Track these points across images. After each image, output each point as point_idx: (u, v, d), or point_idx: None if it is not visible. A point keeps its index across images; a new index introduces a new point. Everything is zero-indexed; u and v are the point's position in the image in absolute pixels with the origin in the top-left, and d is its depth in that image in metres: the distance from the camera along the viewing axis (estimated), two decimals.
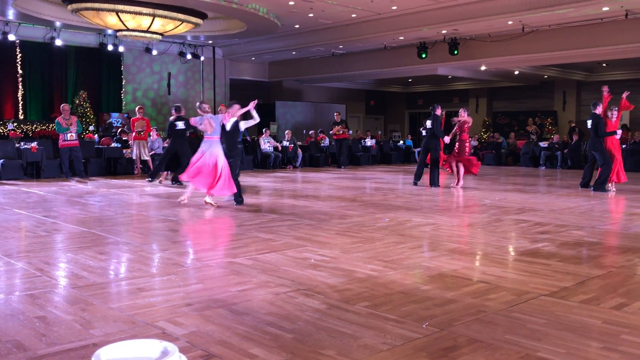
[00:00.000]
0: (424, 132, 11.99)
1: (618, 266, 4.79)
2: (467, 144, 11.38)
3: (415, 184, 11.81)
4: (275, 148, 17.56)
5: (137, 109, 14.50)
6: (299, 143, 18.86)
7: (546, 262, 4.88)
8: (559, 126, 21.78)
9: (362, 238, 5.94)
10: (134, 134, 14.02)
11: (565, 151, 17.80)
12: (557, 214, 7.73)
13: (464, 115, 11.34)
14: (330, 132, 17.69)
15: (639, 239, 5.98)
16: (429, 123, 11.55)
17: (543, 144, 18.80)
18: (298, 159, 17.99)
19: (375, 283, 4.17)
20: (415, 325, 3.27)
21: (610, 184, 10.68)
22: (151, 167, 14.28)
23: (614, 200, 9.60)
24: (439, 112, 11.51)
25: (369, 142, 20.46)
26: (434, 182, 11.49)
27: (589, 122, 10.84)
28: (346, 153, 18.04)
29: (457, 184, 11.34)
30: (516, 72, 20.34)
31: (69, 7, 13.45)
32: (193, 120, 8.95)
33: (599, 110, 10.68)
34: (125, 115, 18.03)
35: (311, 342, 3.01)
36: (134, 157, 14.22)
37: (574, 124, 20.69)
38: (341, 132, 17.31)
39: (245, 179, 13.32)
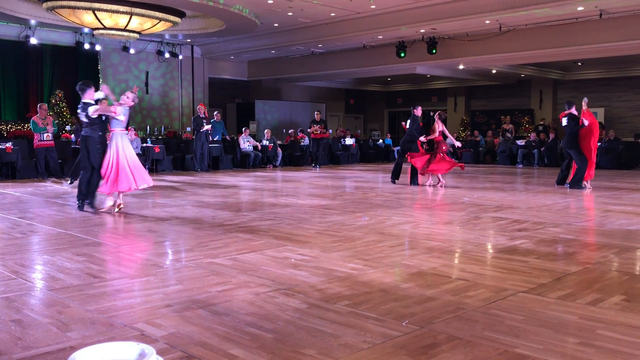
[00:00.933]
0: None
1: (594, 262, 4.86)
2: (443, 146, 11.46)
3: (393, 182, 11.88)
4: (255, 147, 17.51)
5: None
6: (279, 142, 18.82)
7: (524, 259, 4.94)
8: (535, 124, 22.07)
9: (342, 237, 5.95)
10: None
11: (542, 149, 18.04)
12: (534, 212, 7.82)
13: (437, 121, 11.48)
14: (309, 130, 17.66)
15: (614, 236, 6.08)
16: (408, 123, 11.65)
17: (520, 142, 19.02)
18: (278, 158, 17.95)
19: (355, 282, 4.18)
20: (395, 324, 3.28)
21: (586, 182, 10.84)
22: None
23: (589, 198, 9.74)
24: (418, 112, 11.57)
25: (349, 141, 20.51)
26: (413, 181, 11.58)
27: (564, 120, 10.96)
28: (323, 153, 18.02)
29: (439, 184, 11.38)
30: (494, 71, 20.56)
31: (44, 5, 13.26)
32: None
33: (573, 109, 10.87)
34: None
35: (291, 342, 3.01)
36: None
37: (542, 123, 21.01)
38: (319, 131, 17.25)
39: (225, 179, 13.27)
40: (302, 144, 19.16)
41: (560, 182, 11.41)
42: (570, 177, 11.01)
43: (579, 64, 19.98)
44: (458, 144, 12.27)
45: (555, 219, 7.19)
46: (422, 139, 11.46)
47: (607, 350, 2.91)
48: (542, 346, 2.95)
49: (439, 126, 11.39)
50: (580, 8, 13.10)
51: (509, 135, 19.73)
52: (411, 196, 9.99)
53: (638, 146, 17.70)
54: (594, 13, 13.49)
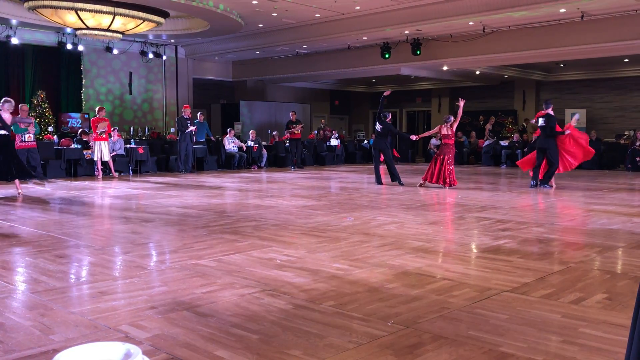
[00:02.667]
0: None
1: (576, 262, 4.92)
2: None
3: (380, 184, 11.95)
4: (240, 148, 17.45)
5: (97, 109, 14.25)
6: (264, 143, 18.79)
7: (507, 258, 4.98)
8: (518, 125, 22.26)
9: (327, 237, 5.95)
10: (94, 134, 13.77)
11: (525, 150, 18.18)
12: (517, 212, 7.89)
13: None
14: (286, 131, 17.51)
15: (596, 235, 6.16)
16: (377, 126, 12.08)
17: (504, 143, 19.17)
18: (263, 159, 17.92)
19: (340, 282, 4.19)
20: (381, 323, 3.29)
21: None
22: (112, 168, 14.04)
23: (571, 198, 9.84)
24: (389, 119, 12.11)
25: (334, 141, 20.52)
26: (395, 178, 11.87)
27: (541, 120, 10.96)
28: (307, 153, 17.96)
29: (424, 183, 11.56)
30: (477, 72, 20.69)
31: (26, 4, 13.10)
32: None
33: (550, 110, 10.96)
34: (86, 115, 17.67)
35: (277, 343, 3.01)
36: (95, 159, 13.95)
37: (525, 123, 21.20)
38: (299, 131, 17.24)
39: (209, 180, 13.21)
40: (286, 144, 19.14)
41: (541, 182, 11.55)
42: (540, 175, 11.06)
43: (561, 65, 20.18)
44: (414, 137, 12.53)
45: (539, 219, 7.26)
46: (412, 138, 11.96)
47: (590, 348, 2.94)
48: (526, 345, 2.98)
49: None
50: (562, 10, 13.25)
51: (490, 135, 19.83)
52: (396, 197, 10.02)
53: (619, 147, 17.92)
54: (576, 15, 13.64)
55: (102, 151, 13.80)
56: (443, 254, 5.31)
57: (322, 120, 18.11)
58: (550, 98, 17.45)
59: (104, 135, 13.78)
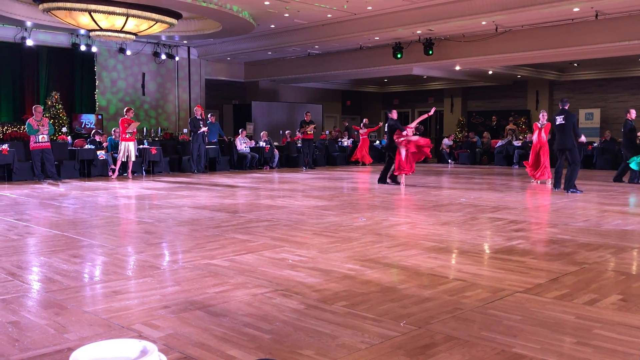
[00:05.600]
0: None
1: (590, 262, 4.88)
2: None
3: (396, 183, 11.97)
4: (252, 148, 17.50)
5: (125, 110, 14.44)
6: (275, 143, 18.82)
7: (521, 259, 4.95)
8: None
9: (339, 238, 5.95)
10: (123, 135, 13.85)
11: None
12: (531, 212, 7.84)
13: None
14: (300, 130, 17.62)
15: (610, 236, 6.10)
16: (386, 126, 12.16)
17: (517, 143, 19.05)
18: (275, 160, 17.94)
19: (353, 282, 4.18)
20: (393, 324, 3.29)
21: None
22: (130, 168, 14.12)
23: (585, 198, 9.76)
24: (394, 115, 12.00)
25: (346, 142, 20.50)
26: (381, 179, 12.19)
27: (559, 119, 10.34)
28: (319, 154, 17.98)
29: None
30: (490, 72, 20.58)
31: (40, 6, 13.23)
32: None
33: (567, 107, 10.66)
34: (99, 116, 17.81)
35: (289, 343, 3.01)
36: (121, 159, 13.94)
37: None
38: (312, 132, 17.33)
39: (222, 180, 13.26)
40: (298, 145, 19.16)
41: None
42: (563, 180, 10.62)
43: (575, 64, 20.03)
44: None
45: (552, 220, 7.21)
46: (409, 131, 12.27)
47: (604, 349, 2.92)
48: (540, 346, 2.96)
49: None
50: (576, 9, 13.14)
51: (510, 137, 19.71)
52: (408, 197, 10.00)
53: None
54: (590, 14, 13.52)
55: (129, 150, 13.89)
56: (456, 254, 5.29)
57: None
58: (564, 97, 17.30)
59: (132, 136, 13.91)
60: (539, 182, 12.24)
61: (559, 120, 10.38)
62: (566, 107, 10.56)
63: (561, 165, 10.83)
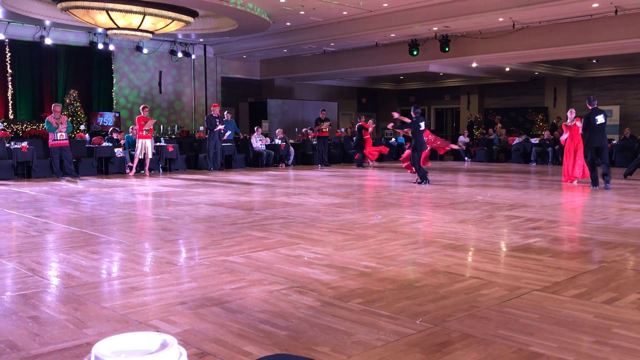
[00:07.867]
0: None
1: (609, 261, 4.82)
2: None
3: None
4: (268, 146, 17.54)
5: (141, 107, 14.55)
6: (291, 141, 18.85)
7: (538, 257, 4.91)
8: (549, 122, 21.92)
9: (354, 235, 5.95)
10: (140, 132, 13.96)
11: (556, 147, 17.89)
12: (548, 210, 7.77)
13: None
14: (315, 128, 17.66)
15: (629, 234, 6.03)
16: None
17: (534, 141, 18.89)
18: (290, 157, 17.97)
19: (368, 280, 4.18)
20: (409, 321, 3.28)
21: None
22: (147, 166, 14.22)
23: (604, 196, 9.65)
24: (412, 113, 11.76)
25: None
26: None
27: (600, 117, 10.27)
28: (327, 151, 17.99)
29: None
30: (507, 69, 20.43)
31: (59, 5, 13.37)
32: None
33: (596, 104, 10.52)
34: (117, 114, 17.96)
35: (305, 339, 3.02)
36: (138, 156, 14.05)
37: (555, 121, 20.84)
38: (327, 129, 17.37)
39: (238, 177, 13.31)
40: (314, 142, 19.17)
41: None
42: (600, 176, 10.53)
43: (594, 61, 19.79)
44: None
45: (570, 218, 7.14)
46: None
47: (623, 348, 2.89)
48: (557, 344, 2.94)
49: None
50: (595, 5, 12.98)
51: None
52: (424, 195, 9.96)
53: None
54: (610, 9, 13.35)
55: (146, 147, 14.00)
56: (472, 252, 5.26)
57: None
58: (583, 95, 17.13)
59: (148, 134, 14.02)
60: (575, 182, 11.52)
61: (600, 119, 10.32)
62: (595, 105, 10.46)
63: (595, 163, 10.69)
